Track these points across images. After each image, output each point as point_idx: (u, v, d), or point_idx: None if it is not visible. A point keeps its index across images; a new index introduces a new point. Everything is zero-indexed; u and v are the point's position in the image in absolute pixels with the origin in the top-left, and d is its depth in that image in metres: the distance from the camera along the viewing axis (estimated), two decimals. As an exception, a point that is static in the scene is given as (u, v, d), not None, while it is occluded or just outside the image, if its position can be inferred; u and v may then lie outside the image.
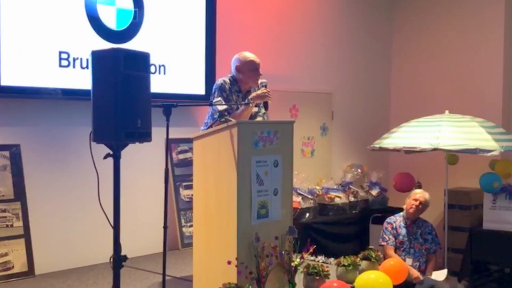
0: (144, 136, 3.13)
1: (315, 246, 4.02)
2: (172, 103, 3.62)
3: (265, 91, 4.01)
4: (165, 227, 3.57)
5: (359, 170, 6.68)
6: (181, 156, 5.32)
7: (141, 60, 3.12)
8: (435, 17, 7.27)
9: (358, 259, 4.26)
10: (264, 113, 4.19)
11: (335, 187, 6.30)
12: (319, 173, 6.49)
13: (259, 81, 4.14)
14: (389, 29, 7.66)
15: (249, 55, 4.11)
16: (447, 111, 5.91)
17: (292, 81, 6.29)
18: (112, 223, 3.04)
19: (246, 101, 3.99)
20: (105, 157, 3.07)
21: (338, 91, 6.88)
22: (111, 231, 3.10)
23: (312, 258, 4.62)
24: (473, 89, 6.87)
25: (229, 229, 3.62)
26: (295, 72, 6.36)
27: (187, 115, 5.24)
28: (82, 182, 4.40)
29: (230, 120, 3.73)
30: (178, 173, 5.26)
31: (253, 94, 4.02)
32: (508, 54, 6.75)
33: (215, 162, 3.75)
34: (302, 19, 6.45)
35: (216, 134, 3.75)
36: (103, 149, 3.17)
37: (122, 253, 3.14)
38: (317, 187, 6.15)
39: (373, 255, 4.32)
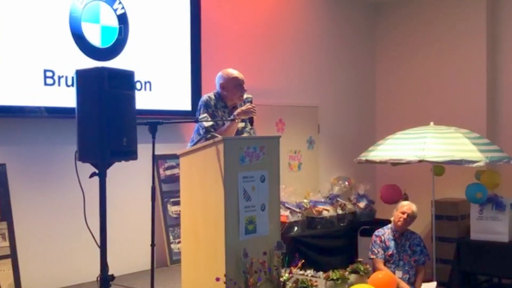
0: (130, 154, 3.13)
1: (303, 261, 4.02)
2: (158, 121, 3.61)
3: (250, 106, 4.03)
4: (152, 245, 3.55)
5: (346, 183, 6.70)
6: (168, 172, 5.31)
7: (125, 79, 3.13)
8: (418, 29, 7.34)
9: (347, 272, 4.26)
10: (250, 129, 4.21)
11: (322, 200, 6.30)
12: (306, 186, 6.50)
13: (244, 97, 4.16)
14: (373, 42, 7.72)
15: (233, 72, 4.13)
16: (432, 123, 5.96)
17: (277, 95, 6.32)
18: (98, 242, 3.02)
19: (232, 117, 4.00)
20: (91, 176, 3.06)
21: (324, 104, 6.91)
22: (98, 249, 3.09)
23: (301, 272, 4.62)
24: (457, 101, 6.93)
25: (217, 245, 3.62)
26: (280, 86, 6.39)
27: (173, 131, 5.23)
28: (68, 200, 4.37)
29: (216, 136, 3.75)
30: (166, 189, 5.25)
31: (238, 110, 4.03)
32: (491, 65, 6.82)
33: (201, 179, 3.76)
34: (286, 34, 6.48)
35: (202, 151, 3.77)
36: (90, 167, 3.16)
37: (110, 272, 3.12)
38: (305, 201, 6.15)
39: (362, 268, 4.32)
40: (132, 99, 3.16)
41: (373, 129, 7.64)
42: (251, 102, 4.11)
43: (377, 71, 7.74)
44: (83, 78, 3.02)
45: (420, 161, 5.47)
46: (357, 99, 7.46)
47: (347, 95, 7.29)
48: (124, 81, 3.10)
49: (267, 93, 6.06)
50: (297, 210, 5.88)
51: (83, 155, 3.05)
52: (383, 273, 4.64)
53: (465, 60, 6.92)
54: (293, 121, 6.50)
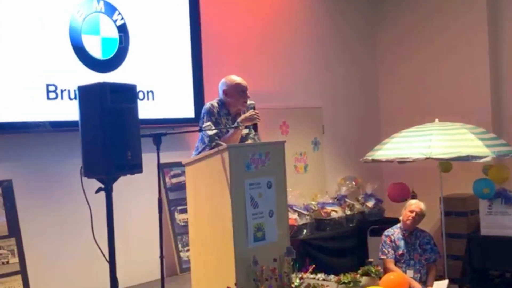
0: (135, 167, 3.13)
1: (314, 266, 3.99)
2: (162, 132, 3.60)
3: (253, 113, 4.01)
4: (161, 257, 3.54)
5: (354, 183, 6.66)
6: (174, 180, 5.30)
7: (127, 92, 3.12)
8: (418, 26, 7.30)
9: (358, 275, 4.24)
10: (255, 135, 4.19)
11: (330, 201, 6.27)
12: (313, 188, 6.48)
13: (247, 103, 4.14)
14: (373, 40, 7.69)
15: (236, 78, 4.12)
16: (437, 120, 5.92)
17: (280, 98, 6.30)
18: (107, 257, 3.02)
19: (235, 124, 3.99)
20: (97, 192, 3.06)
21: (327, 105, 6.89)
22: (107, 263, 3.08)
23: (312, 276, 4.60)
24: (461, 96, 6.88)
25: (227, 254, 3.61)
26: (283, 89, 6.37)
27: (178, 139, 5.22)
28: (76, 214, 4.34)
29: (221, 144, 3.73)
30: (173, 198, 5.23)
31: (242, 117, 4.02)
32: (494, 58, 6.78)
33: (208, 188, 3.74)
34: (286, 37, 6.47)
35: (207, 159, 3.75)
36: (96, 181, 3.15)
37: (120, 285, 3.11)
38: (313, 203, 6.12)
39: (373, 270, 4.30)
40: (135, 112, 3.15)
41: (378, 128, 7.61)
42: (254, 108, 4.09)
43: (379, 69, 7.71)
44: (85, 94, 3.02)
45: (427, 158, 5.43)
46: (360, 98, 7.44)
47: (350, 95, 7.27)
48: (126, 95, 3.09)
49: (270, 96, 6.05)
50: (305, 212, 5.85)
51: (88, 171, 3.04)
52: (395, 274, 4.62)
53: (467, 55, 6.88)
54: (297, 123, 6.48)
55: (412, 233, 5.23)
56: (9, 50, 4.16)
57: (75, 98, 4.44)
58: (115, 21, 4.76)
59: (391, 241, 5.20)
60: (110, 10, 4.74)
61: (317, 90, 6.82)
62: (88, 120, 3.00)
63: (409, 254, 5.15)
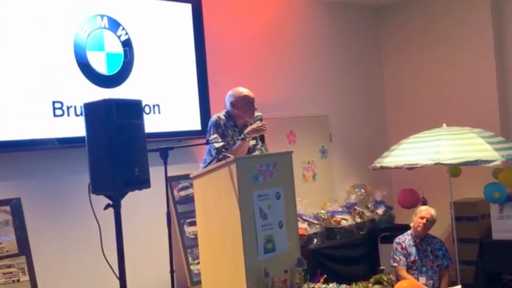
0: (143, 183, 3.13)
1: (325, 276, 3.97)
2: (168, 147, 3.60)
3: (260, 124, 4.01)
4: (171, 272, 3.53)
5: (363, 190, 6.63)
6: (182, 193, 5.28)
7: (133, 108, 3.13)
8: (423, 31, 7.28)
9: (370, 284, 4.22)
10: (262, 145, 4.19)
11: (340, 209, 6.23)
12: (322, 196, 6.45)
13: (255, 115, 4.14)
14: (378, 46, 7.67)
15: (243, 90, 4.13)
16: (444, 124, 5.89)
17: (286, 107, 6.29)
18: (117, 274, 3.01)
19: (242, 136, 3.98)
20: (105, 208, 3.05)
21: (333, 113, 6.87)
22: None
23: (324, 286, 4.57)
24: (469, 100, 6.84)
25: (237, 266, 3.60)
26: (288, 98, 6.36)
27: (185, 151, 5.21)
28: (85, 231, 4.34)
29: (228, 156, 3.73)
30: (181, 210, 5.21)
31: (249, 129, 4.03)
32: (500, 61, 6.74)
33: (216, 200, 3.74)
34: (291, 46, 6.47)
35: (215, 172, 3.75)
36: (104, 197, 3.15)
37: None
38: (322, 211, 6.09)
39: (385, 279, 4.28)
40: (141, 127, 3.15)
41: (385, 134, 7.58)
42: (261, 120, 4.09)
43: (384, 76, 7.69)
44: (91, 111, 3.02)
45: (436, 164, 5.40)
46: (366, 105, 7.42)
47: (357, 102, 7.25)
48: (132, 111, 3.10)
49: (276, 106, 6.05)
50: (315, 221, 5.82)
51: (96, 188, 3.04)
52: (407, 282, 4.58)
53: (473, 58, 6.84)
54: (304, 132, 6.47)
55: (423, 239, 5.19)
56: (15, 68, 4.18)
57: (81, 114, 4.43)
58: (119, 37, 4.78)
59: (402, 248, 5.17)
60: (114, 25, 4.76)
61: (323, 98, 6.81)
62: (94, 137, 3.00)
63: (421, 261, 5.12)
